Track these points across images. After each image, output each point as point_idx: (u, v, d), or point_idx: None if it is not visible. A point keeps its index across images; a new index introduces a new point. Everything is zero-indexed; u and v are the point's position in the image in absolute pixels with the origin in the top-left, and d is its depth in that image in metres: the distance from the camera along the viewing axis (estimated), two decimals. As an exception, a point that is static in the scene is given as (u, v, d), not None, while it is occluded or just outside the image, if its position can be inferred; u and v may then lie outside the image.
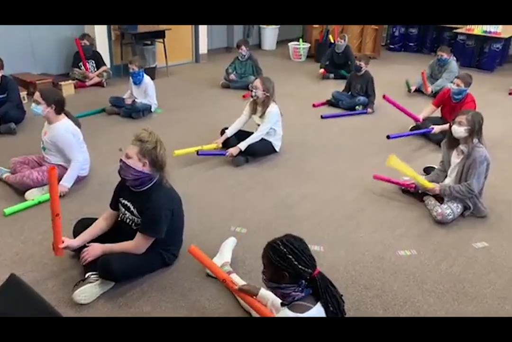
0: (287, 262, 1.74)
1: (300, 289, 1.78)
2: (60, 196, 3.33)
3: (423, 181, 3.34)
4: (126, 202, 2.57)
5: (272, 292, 1.90)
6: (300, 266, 1.74)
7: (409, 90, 6.35)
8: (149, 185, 2.49)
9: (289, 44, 8.22)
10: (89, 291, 2.40)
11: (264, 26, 8.77)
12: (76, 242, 2.55)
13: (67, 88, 5.53)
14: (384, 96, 4.60)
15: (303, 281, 1.78)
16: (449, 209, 3.19)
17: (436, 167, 3.59)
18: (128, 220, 2.56)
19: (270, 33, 8.87)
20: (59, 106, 3.36)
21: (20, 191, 3.39)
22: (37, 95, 3.33)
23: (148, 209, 2.44)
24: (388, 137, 4.38)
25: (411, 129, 4.79)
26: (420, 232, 3.14)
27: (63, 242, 2.48)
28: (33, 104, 3.34)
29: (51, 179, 2.31)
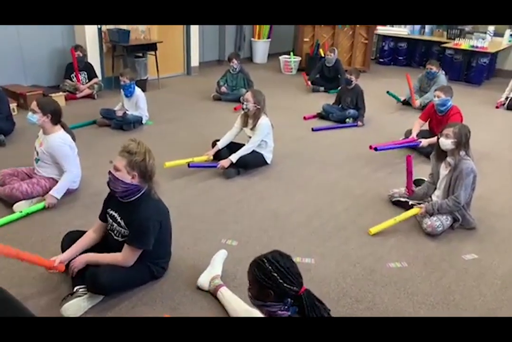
0: (272, 280, 1.71)
1: (286, 307, 1.74)
2: (48, 207, 3.32)
3: (405, 215, 3.31)
4: (113, 213, 2.55)
5: (259, 310, 1.86)
6: (285, 284, 1.71)
7: (398, 100, 6.44)
8: (138, 195, 2.47)
9: (280, 57, 8.30)
10: (77, 305, 2.37)
11: (256, 39, 8.87)
12: (66, 256, 2.51)
13: (58, 100, 5.37)
14: (371, 147, 4.49)
15: (289, 299, 1.74)
16: (439, 221, 3.21)
17: (425, 179, 3.62)
18: (115, 231, 2.54)
19: (261, 47, 8.96)
20: (56, 116, 3.36)
21: (8, 203, 3.35)
22: (33, 104, 3.34)
23: (135, 220, 2.42)
24: (376, 149, 4.38)
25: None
26: (410, 244, 3.15)
27: (54, 261, 2.45)
28: (29, 113, 3.35)
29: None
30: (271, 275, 1.71)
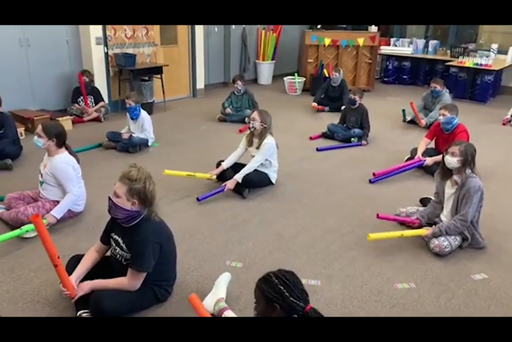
0: (278, 293, 1.76)
1: None
2: (47, 225, 3.29)
3: (412, 232, 3.28)
4: (116, 237, 2.55)
5: None
6: (291, 298, 1.75)
7: (404, 120, 6.44)
8: (138, 220, 2.47)
9: (285, 78, 8.39)
10: (80, 330, 2.34)
11: (260, 61, 8.98)
12: (74, 277, 2.51)
13: (65, 124, 5.48)
14: (374, 174, 4.50)
15: (296, 316, 1.75)
16: (446, 241, 3.15)
17: (432, 198, 3.58)
18: (118, 255, 2.54)
19: (266, 68, 9.07)
20: (60, 140, 3.42)
21: (14, 227, 3.34)
22: (39, 128, 3.40)
23: (135, 243, 2.42)
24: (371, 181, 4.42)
25: (406, 160, 4.81)
26: (418, 264, 3.09)
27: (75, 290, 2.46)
28: (35, 137, 3.41)
29: (38, 228, 2.24)
30: (278, 288, 1.77)
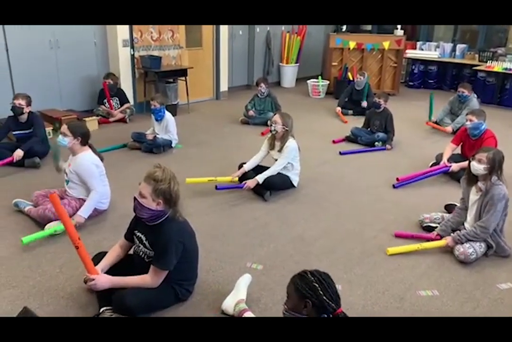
0: (313, 290, 1.80)
1: None
2: (75, 226, 3.36)
3: (430, 244, 3.25)
4: (140, 235, 2.59)
5: None
6: (324, 297, 1.78)
7: (430, 118, 6.35)
8: (162, 219, 2.50)
9: (308, 81, 8.37)
10: (102, 327, 2.38)
11: (284, 64, 8.99)
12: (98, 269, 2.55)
13: (91, 124, 5.67)
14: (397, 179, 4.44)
15: (325, 316, 1.78)
16: (472, 248, 3.09)
17: (457, 204, 3.52)
18: (141, 253, 2.57)
19: (289, 71, 9.07)
20: (84, 139, 3.51)
21: (41, 224, 3.43)
22: (64, 128, 3.48)
23: (158, 242, 2.45)
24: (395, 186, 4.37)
25: (431, 166, 4.74)
26: (442, 271, 3.04)
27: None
28: (60, 136, 3.48)
29: (56, 206, 2.34)
30: (312, 285, 1.80)
